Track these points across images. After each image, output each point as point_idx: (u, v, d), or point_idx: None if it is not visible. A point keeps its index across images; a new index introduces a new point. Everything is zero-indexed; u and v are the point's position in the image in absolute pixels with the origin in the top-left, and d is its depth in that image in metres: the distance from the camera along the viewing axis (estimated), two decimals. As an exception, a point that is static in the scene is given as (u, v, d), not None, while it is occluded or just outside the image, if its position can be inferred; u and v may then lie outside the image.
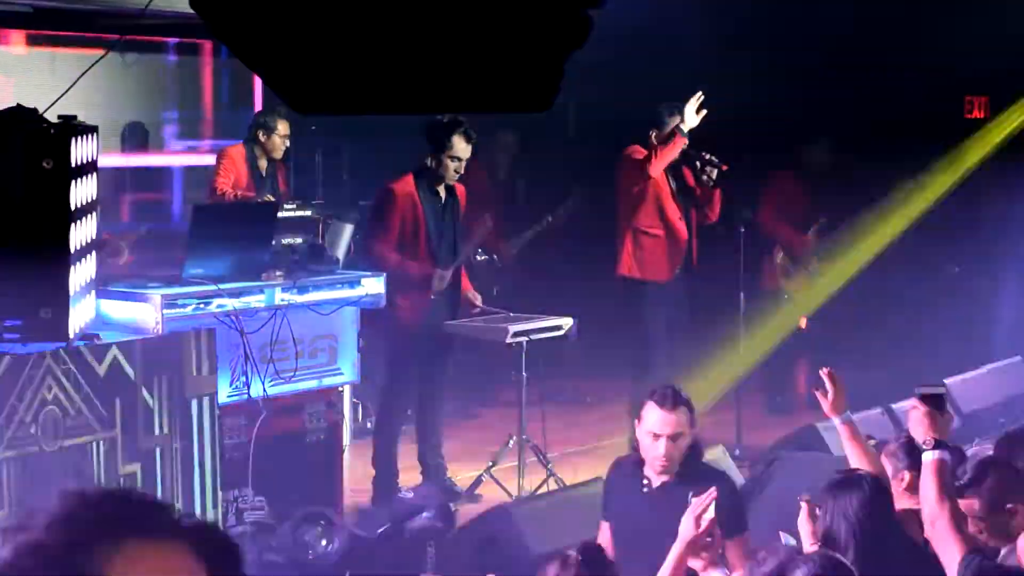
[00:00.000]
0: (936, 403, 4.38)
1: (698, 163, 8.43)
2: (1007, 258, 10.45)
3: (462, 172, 7.71)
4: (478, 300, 8.00)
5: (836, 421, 5.18)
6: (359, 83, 4.69)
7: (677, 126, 8.17)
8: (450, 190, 7.78)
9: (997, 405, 9.00)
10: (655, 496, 5.15)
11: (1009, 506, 4.47)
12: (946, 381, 9.17)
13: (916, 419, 4.36)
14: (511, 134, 10.32)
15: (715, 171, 8.38)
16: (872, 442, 5.34)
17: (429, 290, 7.62)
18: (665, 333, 8.54)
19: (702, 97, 8.15)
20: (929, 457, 4.25)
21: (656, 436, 5.18)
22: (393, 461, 7.82)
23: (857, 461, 5.05)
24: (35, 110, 5.59)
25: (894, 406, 7.99)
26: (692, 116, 8.15)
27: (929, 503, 4.19)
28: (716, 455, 7.47)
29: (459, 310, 7.88)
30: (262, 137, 8.94)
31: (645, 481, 5.22)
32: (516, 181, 10.46)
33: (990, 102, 12.17)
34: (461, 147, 7.60)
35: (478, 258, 9.94)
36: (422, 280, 7.58)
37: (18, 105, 6.14)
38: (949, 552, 4.11)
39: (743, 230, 8.81)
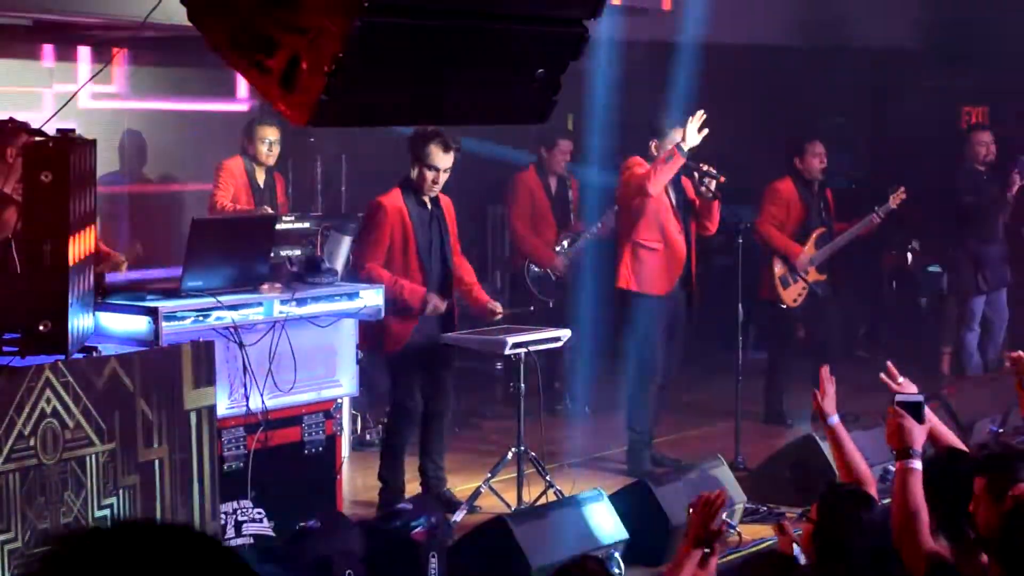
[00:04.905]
0: (914, 412, 4.40)
1: (696, 174, 8.46)
2: None
3: (440, 183, 7.65)
4: (499, 308, 7.97)
5: (833, 420, 5.23)
6: (368, 97, 4.71)
7: (678, 144, 8.19)
8: (435, 201, 7.76)
9: (994, 416, 9.01)
10: None
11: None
12: (944, 392, 9.25)
13: (893, 427, 4.37)
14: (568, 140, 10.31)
15: (713, 182, 8.41)
16: None
17: (419, 313, 7.59)
18: (664, 344, 8.57)
19: (704, 116, 8.18)
20: (903, 465, 4.27)
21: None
22: (401, 475, 7.81)
23: (847, 462, 5.11)
24: (26, 123, 5.63)
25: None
26: (694, 135, 8.17)
27: (900, 511, 4.20)
28: (715, 465, 7.51)
29: (453, 322, 7.86)
30: (247, 144, 8.94)
31: None
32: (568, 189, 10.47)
33: (989, 112, 12.25)
34: (439, 157, 7.54)
35: (534, 269, 10.00)
36: (413, 304, 7.56)
37: (11, 118, 6.17)
38: (915, 561, 4.12)
39: (741, 240, 8.83)
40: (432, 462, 7.89)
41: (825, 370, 5.39)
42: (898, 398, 4.47)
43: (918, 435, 4.33)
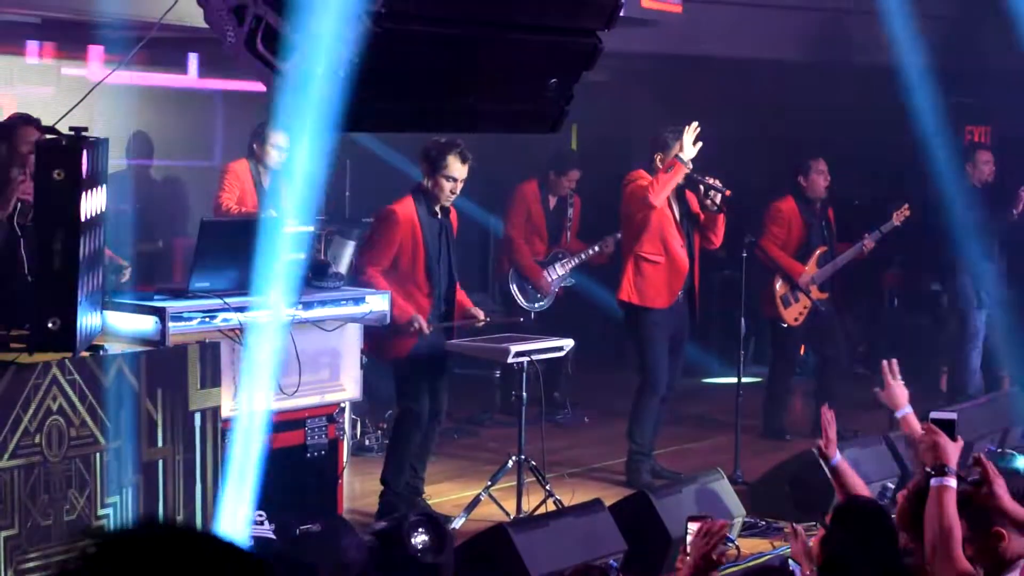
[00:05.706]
0: (947, 429, 4.41)
1: (702, 188, 8.48)
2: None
3: (456, 194, 7.67)
4: (481, 314, 7.98)
5: (835, 461, 5.38)
6: (383, 104, 4.75)
7: (678, 155, 8.23)
8: (444, 211, 7.77)
9: (993, 434, 9.04)
10: None
11: (995, 529, 4.46)
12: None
13: (927, 445, 4.39)
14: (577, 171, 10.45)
15: (719, 196, 8.44)
16: None
17: (411, 331, 7.51)
18: (666, 356, 8.59)
19: (698, 128, 8.23)
20: (937, 483, 4.28)
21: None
22: (405, 480, 7.76)
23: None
24: (38, 120, 5.65)
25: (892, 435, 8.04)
26: (689, 147, 8.24)
27: (933, 529, 4.21)
28: (715, 479, 7.51)
29: (451, 331, 7.87)
30: (256, 148, 8.93)
31: None
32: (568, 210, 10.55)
33: (991, 131, 12.29)
34: (456, 167, 7.56)
35: (517, 278, 10.07)
36: (400, 321, 7.48)
37: (25, 115, 6.19)
38: None
39: (745, 255, 8.85)
40: (412, 468, 7.86)
41: (826, 411, 5.54)
42: (932, 415, 4.49)
43: (952, 452, 4.35)
